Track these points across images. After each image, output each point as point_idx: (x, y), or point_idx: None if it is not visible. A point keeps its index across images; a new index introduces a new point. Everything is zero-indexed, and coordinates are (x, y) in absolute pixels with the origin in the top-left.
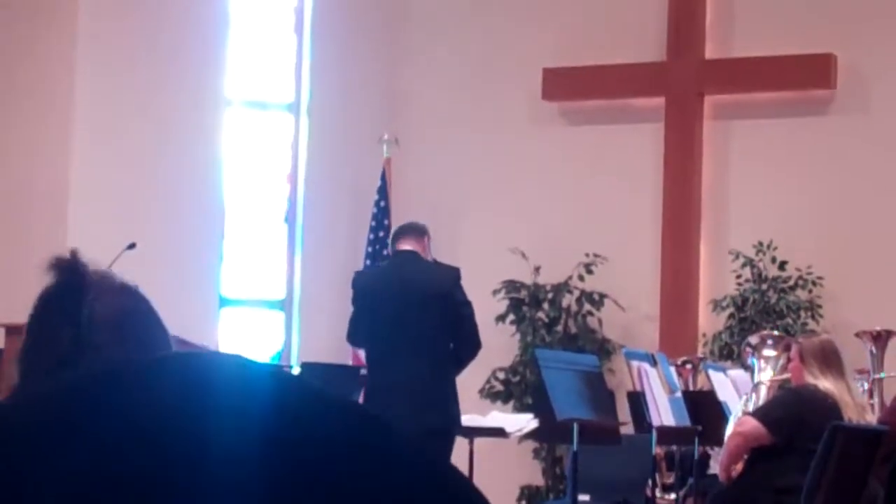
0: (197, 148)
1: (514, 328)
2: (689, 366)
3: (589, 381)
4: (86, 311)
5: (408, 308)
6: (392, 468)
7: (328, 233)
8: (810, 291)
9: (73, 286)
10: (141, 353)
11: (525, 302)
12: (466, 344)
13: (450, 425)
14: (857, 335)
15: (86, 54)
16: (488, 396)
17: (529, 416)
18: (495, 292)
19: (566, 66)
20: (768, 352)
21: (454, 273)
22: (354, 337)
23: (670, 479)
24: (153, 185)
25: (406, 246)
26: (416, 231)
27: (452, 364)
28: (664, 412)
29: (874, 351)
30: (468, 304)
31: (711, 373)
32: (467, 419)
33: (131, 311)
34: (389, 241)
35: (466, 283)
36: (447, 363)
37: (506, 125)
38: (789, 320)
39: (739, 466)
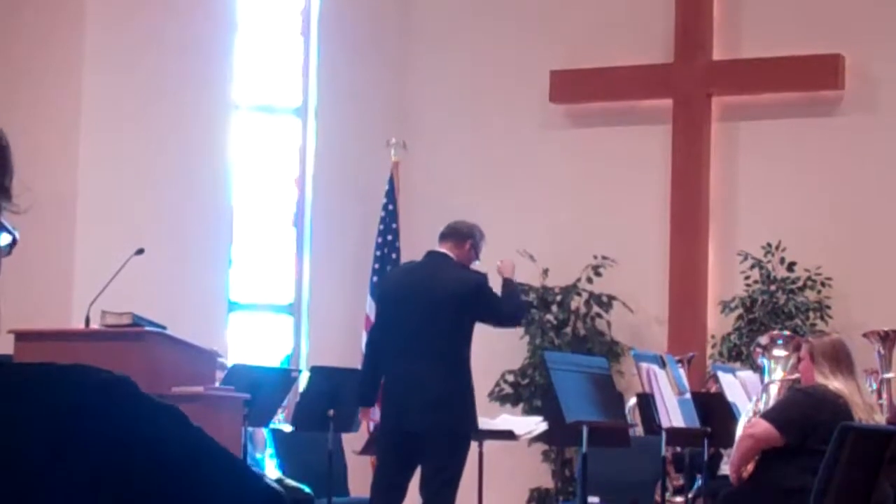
0: (205, 152)
1: (522, 331)
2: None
3: (598, 383)
4: None
5: (421, 310)
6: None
7: (337, 236)
8: (819, 292)
9: None
10: None
11: (533, 304)
12: (502, 323)
13: (460, 428)
14: (865, 335)
15: (93, 59)
16: (497, 399)
17: (539, 418)
18: None
19: (573, 68)
20: (778, 352)
21: (477, 279)
22: (368, 344)
23: (679, 482)
24: (161, 190)
25: (441, 248)
26: (457, 235)
27: (466, 367)
28: (673, 414)
29: (882, 351)
30: (484, 307)
31: (721, 374)
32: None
33: None
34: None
35: None
36: (459, 367)
37: (513, 128)
38: (798, 321)
39: (750, 467)
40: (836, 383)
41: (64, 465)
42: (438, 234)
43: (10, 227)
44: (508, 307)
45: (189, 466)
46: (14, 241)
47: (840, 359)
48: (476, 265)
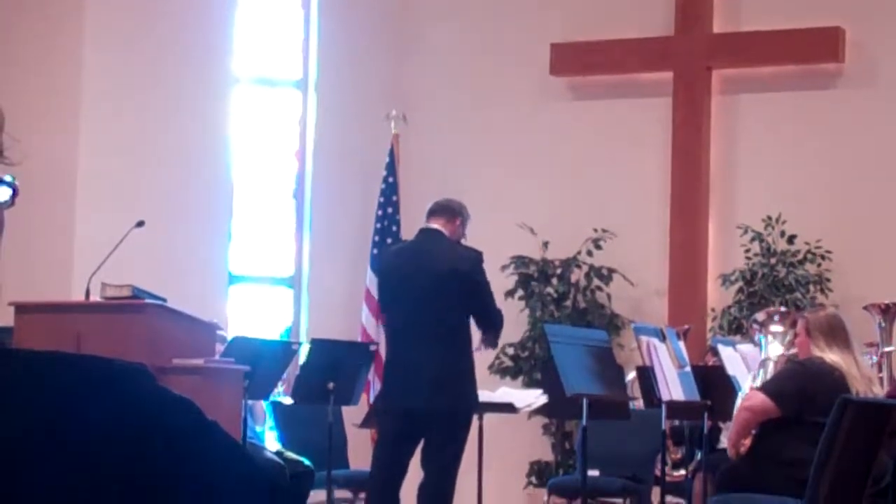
0: (205, 125)
1: (523, 304)
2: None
3: (598, 356)
4: None
5: (421, 288)
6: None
7: (337, 209)
8: (819, 265)
9: None
10: None
11: (534, 277)
12: (483, 323)
13: (461, 405)
14: (865, 308)
15: (93, 33)
16: (497, 372)
17: (539, 391)
18: (504, 268)
19: (574, 41)
20: (775, 327)
21: (474, 255)
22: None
23: (678, 455)
24: (161, 163)
25: (433, 224)
26: (448, 211)
27: (467, 345)
28: (673, 387)
29: (882, 324)
30: (482, 286)
31: (721, 347)
32: None
33: None
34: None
35: None
36: (460, 344)
37: (514, 101)
38: (798, 294)
39: (748, 441)
40: (831, 356)
41: (67, 455)
42: (427, 209)
43: (7, 180)
44: (498, 314)
45: (200, 461)
46: (15, 192)
47: (835, 332)
48: (463, 243)
